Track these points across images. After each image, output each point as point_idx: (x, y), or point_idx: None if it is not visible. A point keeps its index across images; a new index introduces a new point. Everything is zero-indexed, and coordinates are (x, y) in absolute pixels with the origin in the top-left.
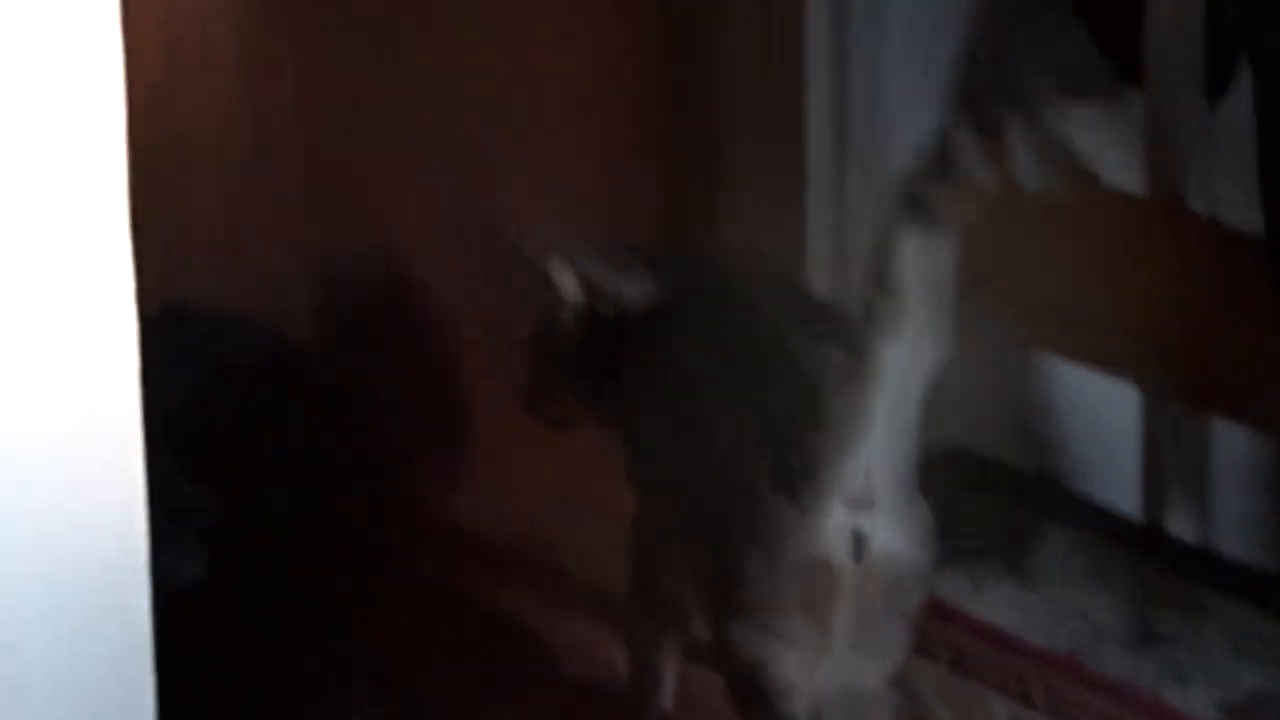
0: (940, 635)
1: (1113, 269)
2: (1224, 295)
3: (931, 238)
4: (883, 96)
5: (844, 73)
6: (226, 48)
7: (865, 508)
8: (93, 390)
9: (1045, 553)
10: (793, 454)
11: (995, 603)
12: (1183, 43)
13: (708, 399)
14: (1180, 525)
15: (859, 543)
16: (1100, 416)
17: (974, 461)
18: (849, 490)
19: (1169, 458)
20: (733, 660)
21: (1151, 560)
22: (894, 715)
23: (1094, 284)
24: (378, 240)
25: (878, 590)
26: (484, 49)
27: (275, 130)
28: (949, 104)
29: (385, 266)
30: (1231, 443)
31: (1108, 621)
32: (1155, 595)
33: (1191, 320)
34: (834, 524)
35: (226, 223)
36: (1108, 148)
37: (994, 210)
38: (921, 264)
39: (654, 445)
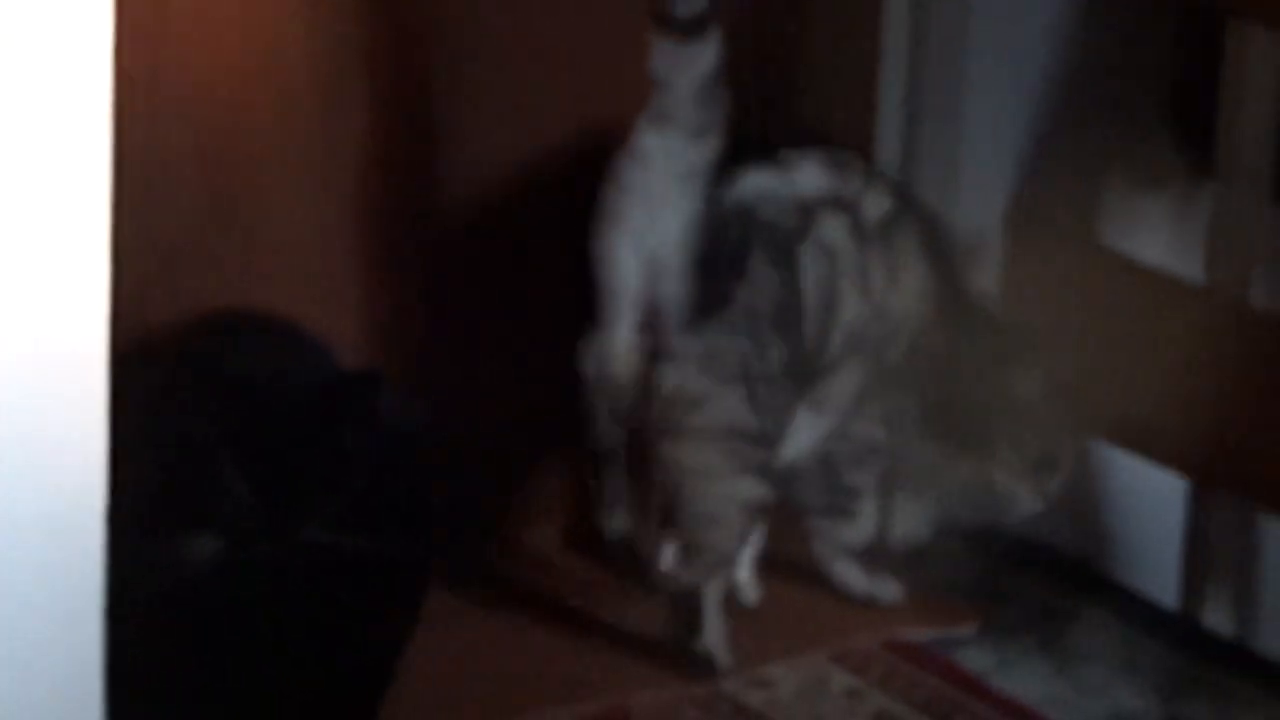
0: (963, 707)
1: (1168, 359)
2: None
3: None
4: None
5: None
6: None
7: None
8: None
9: (1077, 636)
10: None
11: (1021, 680)
12: (1252, 140)
13: None
14: (1217, 618)
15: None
16: (1146, 505)
17: (1013, 540)
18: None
19: (1211, 550)
20: None
21: (1184, 651)
22: None
23: (1147, 373)
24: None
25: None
26: None
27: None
28: None
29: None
30: (1276, 539)
31: (1134, 707)
32: (1185, 685)
33: (1243, 414)
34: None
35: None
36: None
37: (1052, 298)
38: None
39: None
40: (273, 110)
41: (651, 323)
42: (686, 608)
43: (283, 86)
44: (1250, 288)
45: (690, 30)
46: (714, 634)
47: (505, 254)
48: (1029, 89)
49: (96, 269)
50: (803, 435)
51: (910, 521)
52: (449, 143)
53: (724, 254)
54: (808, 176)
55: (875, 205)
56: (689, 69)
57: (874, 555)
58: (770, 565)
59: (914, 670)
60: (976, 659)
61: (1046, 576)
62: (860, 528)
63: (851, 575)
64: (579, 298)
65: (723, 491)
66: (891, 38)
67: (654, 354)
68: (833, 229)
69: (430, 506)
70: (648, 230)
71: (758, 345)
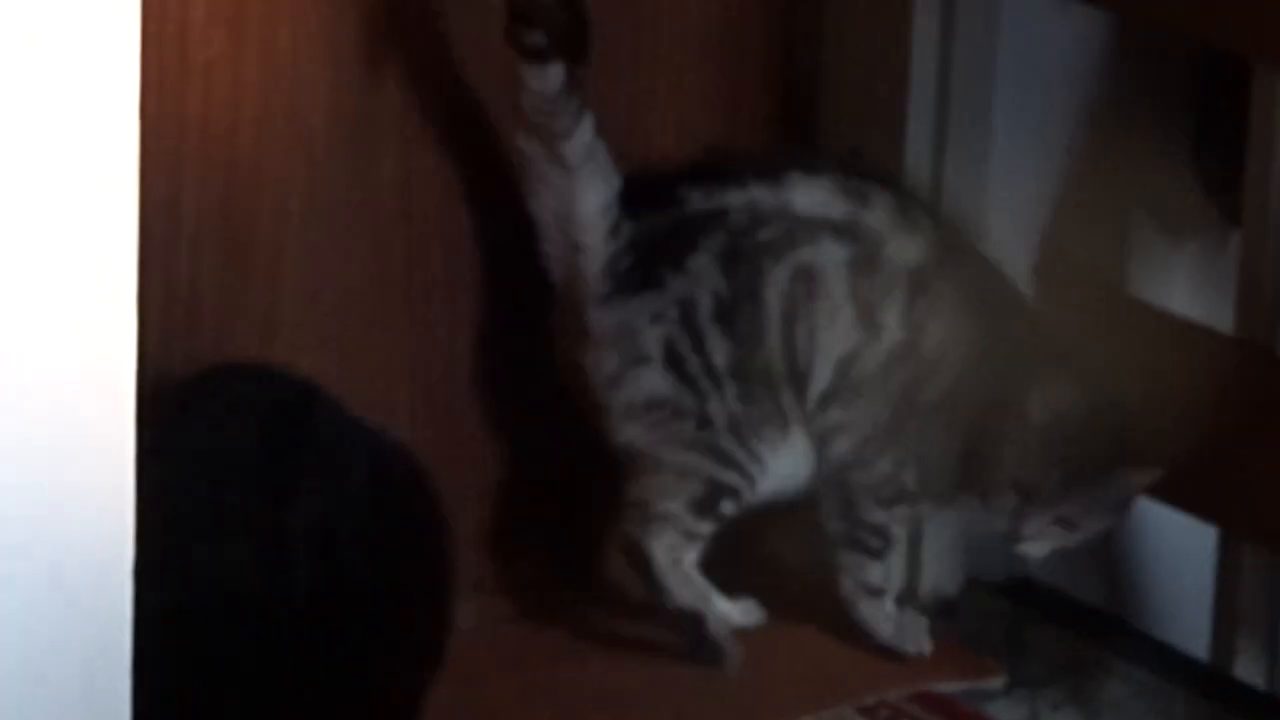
0: None
1: (1197, 408)
2: None
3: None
4: None
5: None
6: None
7: None
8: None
9: (1108, 688)
10: None
11: None
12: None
13: None
14: (1248, 669)
15: None
16: (1176, 555)
17: (1044, 592)
18: None
19: (1243, 601)
20: None
21: (1216, 702)
22: None
23: (1178, 422)
24: None
25: None
26: None
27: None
28: None
29: None
30: None
31: None
32: None
33: (1274, 464)
34: None
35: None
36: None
37: (1081, 345)
38: None
39: None
40: (297, 162)
41: (574, 299)
42: (643, 570)
43: (307, 138)
44: (1278, 335)
45: (531, 56)
46: (679, 590)
47: (535, 309)
48: (1055, 137)
49: (124, 320)
50: (798, 458)
51: (939, 570)
52: (479, 195)
53: (666, 245)
54: (810, 198)
55: (907, 248)
56: (536, 85)
57: (901, 603)
58: (794, 612)
59: None
60: (1007, 712)
61: (1076, 628)
62: (886, 570)
63: (876, 619)
64: None
65: (656, 456)
66: (918, 88)
67: (575, 332)
68: (824, 254)
69: (446, 552)
70: (559, 209)
71: (690, 334)
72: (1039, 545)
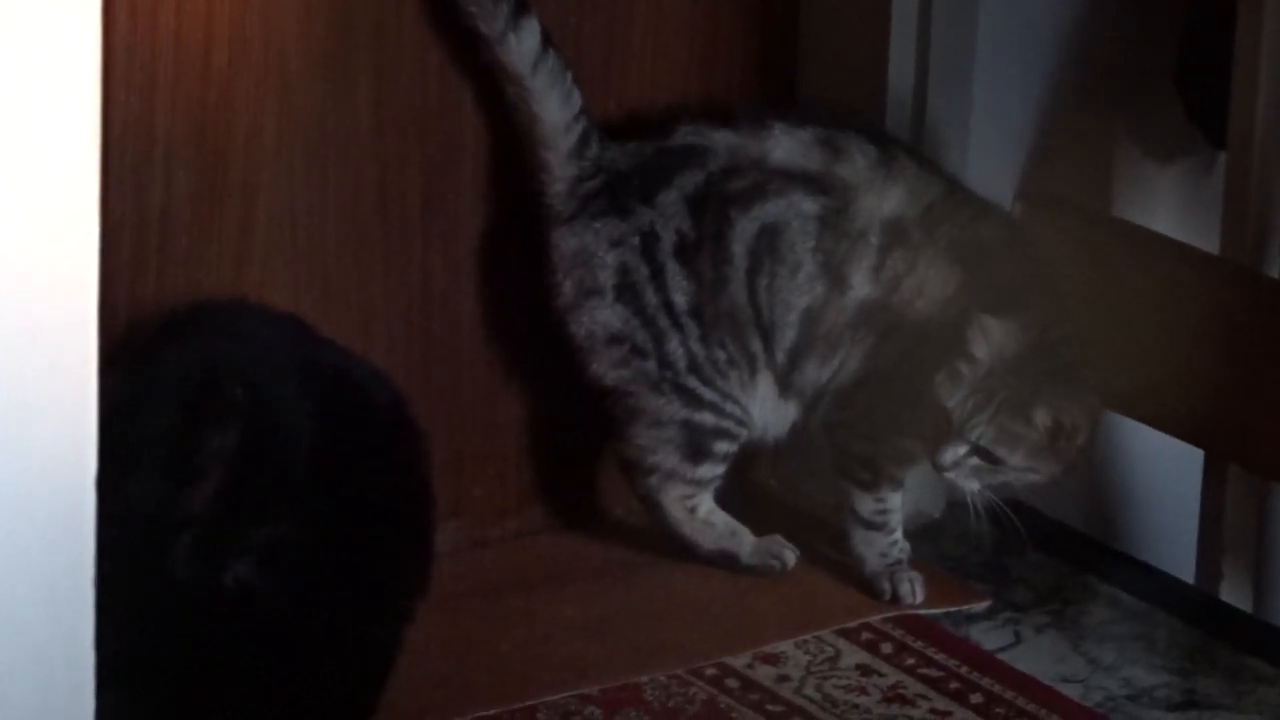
0: (977, 684)
1: (1183, 330)
2: None
3: None
4: None
5: None
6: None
7: None
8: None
9: (1093, 612)
10: None
11: (1036, 656)
12: (1265, 108)
13: None
14: (1234, 593)
15: None
16: (1162, 479)
17: (1029, 516)
18: None
19: (1228, 524)
20: None
21: (1201, 626)
22: None
23: (1163, 345)
24: None
25: None
26: None
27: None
28: None
29: None
30: None
31: (1151, 683)
32: (1202, 661)
33: (1260, 387)
34: None
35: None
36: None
37: (1069, 269)
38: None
39: None
40: (271, 82)
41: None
42: (664, 527)
43: (281, 58)
44: (1265, 258)
45: (504, 29)
46: (703, 538)
47: (514, 233)
48: (1039, 61)
49: (86, 243)
50: (770, 402)
51: (922, 493)
52: (457, 117)
53: (642, 174)
54: (788, 150)
55: (884, 199)
56: (514, 52)
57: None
58: (795, 541)
59: (926, 646)
60: (990, 636)
61: (1061, 552)
62: (882, 505)
63: (865, 551)
64: None
65: (626, 397)
66: (900, 9)
67: (541, 256)
68: (793, 209)
69: (426, 477)
70: (524, 126)
71: (650, 265)
72: (963, 476)
